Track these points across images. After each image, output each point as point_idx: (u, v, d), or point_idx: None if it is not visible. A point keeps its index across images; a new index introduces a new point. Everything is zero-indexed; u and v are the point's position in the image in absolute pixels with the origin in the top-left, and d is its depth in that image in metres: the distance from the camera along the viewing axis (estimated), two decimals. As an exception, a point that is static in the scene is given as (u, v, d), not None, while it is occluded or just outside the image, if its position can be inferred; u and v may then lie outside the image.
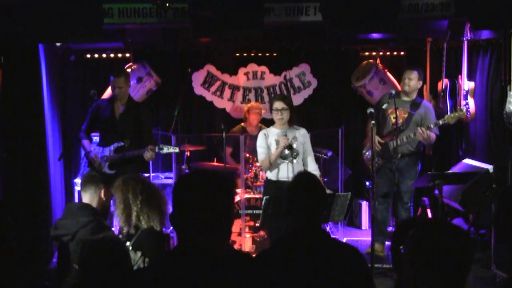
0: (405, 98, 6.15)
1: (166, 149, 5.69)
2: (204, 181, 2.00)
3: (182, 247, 2.00)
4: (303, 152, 5.37)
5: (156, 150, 5.63)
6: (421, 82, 6.20)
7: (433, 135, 6.00)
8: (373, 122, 5.50)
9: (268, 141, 5.34)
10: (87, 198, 4.01)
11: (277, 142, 5.27)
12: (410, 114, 6.08)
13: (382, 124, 6.16)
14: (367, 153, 6.38)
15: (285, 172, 5.24)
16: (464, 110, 5.90)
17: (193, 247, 1.95)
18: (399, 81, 7.29)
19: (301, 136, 5.37)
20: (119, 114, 5.75)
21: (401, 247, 2.06)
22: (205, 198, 1.96)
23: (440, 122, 5.91)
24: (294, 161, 5.26)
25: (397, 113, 5.84)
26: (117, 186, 3.88)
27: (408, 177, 6.08)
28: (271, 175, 5.36)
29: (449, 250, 1.91)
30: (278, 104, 5.29)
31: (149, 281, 1.96)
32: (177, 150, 5.80)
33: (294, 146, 5.27)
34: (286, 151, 5.22)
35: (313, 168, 5.38)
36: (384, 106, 6.03)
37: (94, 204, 3.99)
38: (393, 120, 6.01)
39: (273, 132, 5.37)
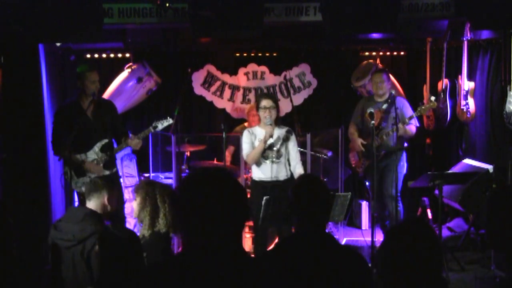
0: (379, 99, 6.22)
1: (160, 125, 5.49)
2: (207, 181, 1.98)
3: (187, 250, 1.99)
4: (287, 152, 5.32)
5: (152, 129, 5.47)
6: (390, 82, 6.31)
7: (412, 128, 6.09)
8: (373, 122, 5.51)
9: (252, 138, 5.31)
10: (91, 205, 3.99)
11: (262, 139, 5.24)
12: (385, 113, 6.10)
13: (364, 126, 6.22)
14: (354, 157, 6.47)
15: (268, 172, 5.22)
16: (434, 101, 5.98)
17: (198, 249, 1.94)
18: (399, 81, 7.33)
19: (286, 137, 5.33)
20: (91, 113, 5.44)
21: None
22: (208, 198, 1.93)
23: (414, 114, 6.02)
24: (277, 161, 5.24)
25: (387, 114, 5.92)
26: (141, 188, 3.86)
27: (393, 170, 6.09)
28: (255, 175, 5.35)
29: (415, 253, 1.97)
30: (266, 102, 5.25)
31: (152, 282, 1.95)
32: (170, 121, 5.58)
33: (278, 146, 5.25)
34: (270, 151, 5.20)
35: (293, 164, 5.32)
36: (384, 107, 6.05)
37: (99, 210, 3.97)
38: (377, 121, 6.06)
39: (258, 132, 5.33)
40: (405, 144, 6.23)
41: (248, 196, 5.56)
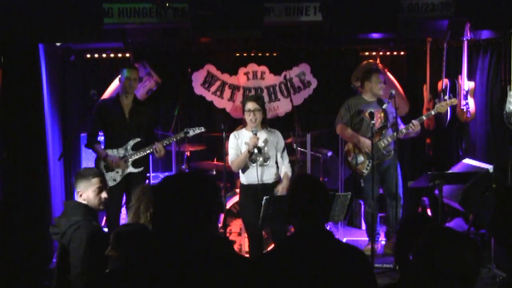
0: (372, 99, 6.16)
1: (192, 132, 5.66)
2: (181, 184, 2.05)
3: (161, 249, 2.03)
4: (275, 155, 5.26)
5: (183, 134, 5.62)
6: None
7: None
8: (372, 122, 5.52)
9: (238, 143, 5.24)
10: (77, 195, 4.02)
11: (247, 144, 5.14)
12: (384, 112, 6.08)
13: (359, 127, 6.13)
14: (357, 159, 6.21)
15: (256, 176, 5.10)
16: (453, 98, 5.93)
17: (172, 249, 1.98)
18: (399, 81, 7.33)
19: (274, 139, 5.25)
20: (128, 112, 5.63)
21: (410, 255, 2.09)
22: (181, 200, 2.01)
23: (433, 112, 5.99)
24: (265, 163, 5.16)
25: (394, 110, 5.89)
26: (135, 193, 3.90)
27: (393, 173, 6.10)
28: (243, 180, 5.28)
29: (459, 261, 1.97)
30: (250, 105, 5.15)
31: (128, 281, 2.00)
32: (202, 129, 5.73)
33: (265, 149, 5.18)
34: (258, 155, 5.11)
35: (283, 166, 5.28)
36: (384, 106, 6.05)
37: (90, 202, 3.96)
38: (378, 121, 6.04)
39: (244, 134, 5.25)
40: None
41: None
